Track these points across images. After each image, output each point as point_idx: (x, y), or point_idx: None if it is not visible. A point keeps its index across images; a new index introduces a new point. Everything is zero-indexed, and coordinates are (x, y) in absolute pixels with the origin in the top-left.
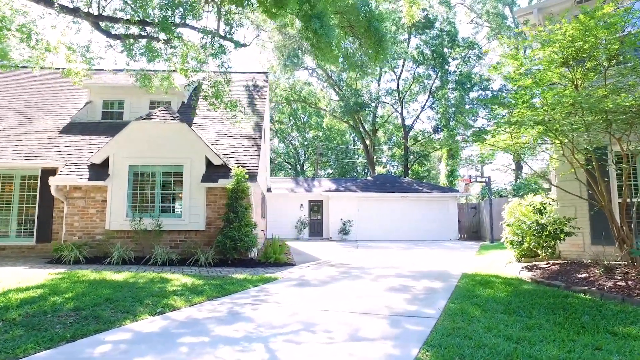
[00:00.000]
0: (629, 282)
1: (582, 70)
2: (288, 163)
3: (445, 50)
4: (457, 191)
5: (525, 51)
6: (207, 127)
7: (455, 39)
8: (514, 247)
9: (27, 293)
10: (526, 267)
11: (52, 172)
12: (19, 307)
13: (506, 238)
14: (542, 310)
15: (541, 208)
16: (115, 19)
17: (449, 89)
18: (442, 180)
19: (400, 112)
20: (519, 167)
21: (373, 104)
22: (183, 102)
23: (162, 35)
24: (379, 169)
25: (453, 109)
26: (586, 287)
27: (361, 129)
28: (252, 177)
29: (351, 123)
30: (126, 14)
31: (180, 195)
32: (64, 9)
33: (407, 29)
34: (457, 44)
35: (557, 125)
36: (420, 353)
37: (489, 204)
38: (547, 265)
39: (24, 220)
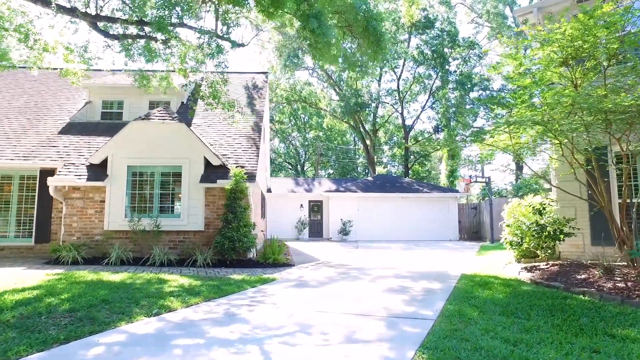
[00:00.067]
0: (629, 284)
1: (581, 69)
2: (288, 163)
3: (446, 50)
4: (457, 191)
5: (525, 51)
6: (206, 127)
7: (455, 39)
8: (514, 247)
9: (23, 294)
10: (525, 268)
11: (51, 172)
12: (13, 308)
13: (505, 239)
14: (540, 312)
15: (540, 208)
16: (113, 19)
17: (450, 89)
18: (443, 181)
19: (400, 112)
20: (519, 168)
21: (373, 104)
22: (182, 102)
23: (159, 35)
24: (379, 169)
25: (453, 109)
26: (585, 289)
27: (361, 129)
28: (251, 177)
29: (351, 123)
30: (124, 14)
31: (179, 195)
32: (61, 9)
33: (408, 29)
34: (458, 44)
35: (557, 125)
36: (416, 355)
37: (489, 204)
38: (546, 266)
39: (23, 221)
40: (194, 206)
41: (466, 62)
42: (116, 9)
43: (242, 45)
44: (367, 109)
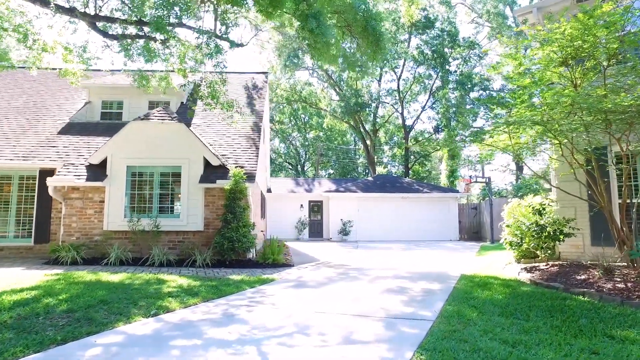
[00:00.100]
0: (629, 284)
1: (581, 69)
2: (289, 163)
3: (446, 50)
4: (457, 191)
5: (525, 51)
6: (205, 127)
7: (456, 38)
8: (513, 248)
9: (21, 295)
10: (525, 269)
11: (51, 172)
12: (11, 309)
13: (505, 239)
14: (539, 312)
15: (540, 209)
16: (112, 19)
17: (450, 89)
18: (443, 181)
19: (400, 112)
20: (519, 168)
21: (374, 104)
22: (182, 103)
23: (158, 36)
24: (379, 169)
25: (454, 109)
26: (585, 289)
27: (362, 129)
28: (250, 177)
29: (352, 123)
30: (123, 14)
31: (178, 195)
32: (60, 8)
33: (408, 29)
34: (458, 44)
35: (556, 125)
36: (414, 357)
37: (490, 205)
38: (546, 267)
39: (22, 221)
40: (194, 206)
41: (466, 62)
42: (115, 9)
43: (241, 45)
44: (367, 109)
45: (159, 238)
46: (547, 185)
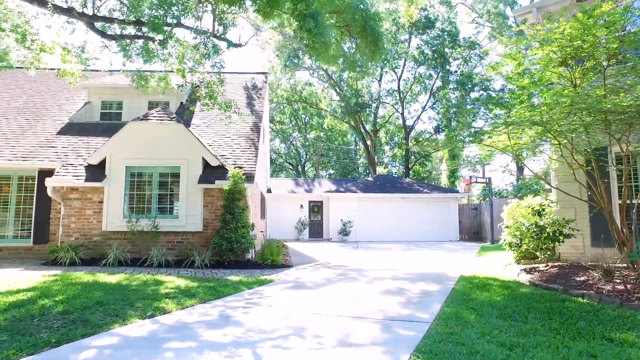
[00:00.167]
0: (628, 286)
1: (581, 69)
2: (289, 164)
3: (447, 50)
4: (458, 192)
5: (525, 51)
6: (205, 127)
7: (456, 39)
8: (513, 249)
9: (17, 296)
10: (525, 270)
11: (50, 173)
12: (6, 310)
13: (505, 240)
14: (538, 314)
15: (540, 209)
16: (111, 19)
17: (450, 89)
18: (444, 181)
19: (401, 112)
20: (519, 169)
21: (374, 105)
22: (181, 103)
23: (157, 36)
24: (380, 170)
25: (454, 109)
26: (584, 291)
27: (362, 130)
28: (250, 178)
29: (352, 123)
30: (122, 14)
31: (177, 196)
32: (58, 9)
33: (408, 29)
34: (458, 44)
35: (556, 126)
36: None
37: (490, 205)
38: (545, 268)
39: (22, 222)
40: (192, 207)
41: (467, 62)
42: (113, 9)
43: (239, 45)
44: (367, 109)
45: (157, 239)
46: (547, 186)
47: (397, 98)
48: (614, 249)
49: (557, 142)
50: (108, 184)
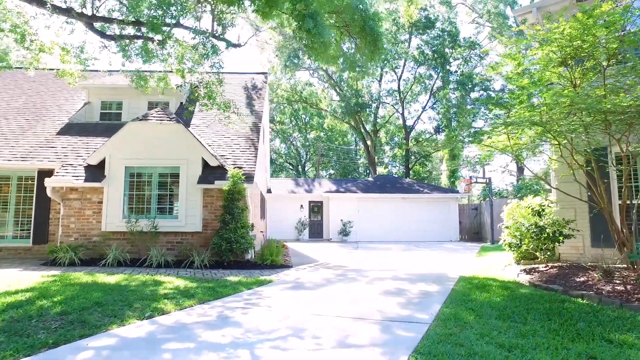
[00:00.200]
0: (628, 287)
1: (580, 70)
2: (289, 164)
3: (447, 50)
4: (458, 192)
5: (526, 51)
6: (204, 127)
7: (456, 39)
8: (513, 249)
9: (15, 297)
10: (524, 270)
11: (49, 173)
12: (4, 311)
13: (504, 240)
14: (537, 315)
15: (539, 210)
16: (110, 20)
17: (451, 89)
18: (444, 181)
19: (401, 112)
20: (520, 169)
21: (374, 105)
22: (181, 103)
23: (156, 36)
24: (380, 170)
25: (454, 109)
26: (584, 292)
27: (362, 130)
28: (249, 178)
29: (352, 124)
30: (121, 14)
31: (176, 196)
32: (56, 9)
33: (408, 29)
34: (459, 44)
35: (556, 126)
36: None
37: (490, 205)
38: (545, 268)
39: (21, 222)
40: (192, 207)
41: (467, 62)
42: (112, 10)
43: (239, 45)
44: (367, 110)
45: (157, 239)
46: (547, 186)
47: (397, 98)
48: (614, 249)
49: (557, 143)
50: (107, 184)
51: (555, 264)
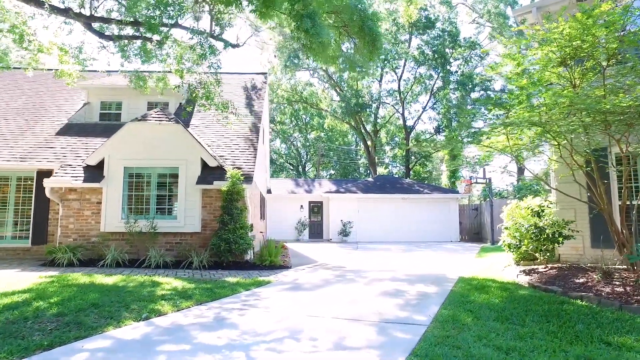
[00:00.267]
0: (628, 288)
1: (580, 70)
2: (290, 164)
3: (447, 50)
4: (458, 192)
5: (526, 51)
6: (204, 128)
7: (456, 39)
8: (512, 250)
9: (12, 298)
10: (524, 271)
11: (48, 173)
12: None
13: (504, 241)
14: (536, 317)
15: (539, 211)
16: (108, 20)
17: (451, 89)
18: (444, 182)
19: (401, 112)
20: (520, 170)
21: (374, 105)
22: (181, 103)
23: (154, 37)
24: (381, 170)
25: (455, 109)
26: (583, 293)
27: (362, 130)
28: (248, 178)
29: (352, 124)
30: (120, 15)
31: (175, 197)
32: (54, 9)
33: (408, 29)
34: (459, 44)
35: (555, 126)
36: None
37: (490, 206)
38: (545, 269)
39: (20, 222)
40: (191, 208)
41: (467, 62)
42: (111, 10)
43: (237, 45)
44: (368, 110)
45: (156, 239)
46: (547, 187)
47: (398, 98)
48: (613, 250)
49: (557, 143)
50: (106, 185)
51: (555, 265)
